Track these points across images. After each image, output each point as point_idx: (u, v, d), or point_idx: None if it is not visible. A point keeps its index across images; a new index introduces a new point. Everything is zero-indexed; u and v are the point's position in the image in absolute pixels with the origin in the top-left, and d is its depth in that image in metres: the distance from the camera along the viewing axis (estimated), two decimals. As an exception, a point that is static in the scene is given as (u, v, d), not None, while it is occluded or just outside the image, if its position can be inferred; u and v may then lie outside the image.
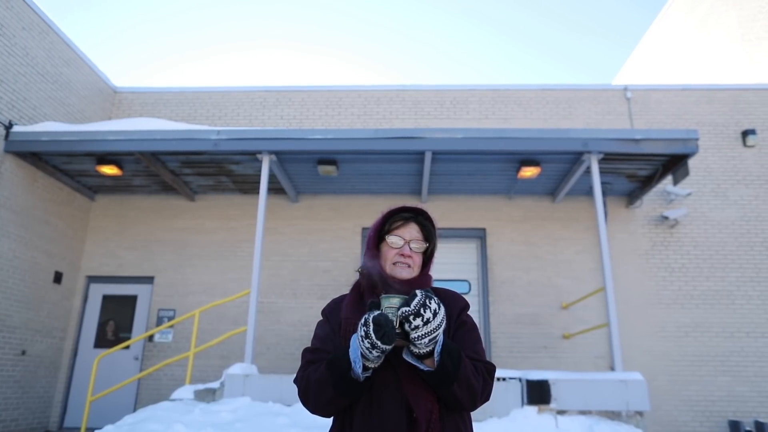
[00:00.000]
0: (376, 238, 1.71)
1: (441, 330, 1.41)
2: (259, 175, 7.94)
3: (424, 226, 1.72)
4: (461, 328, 1.62)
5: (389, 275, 1.63)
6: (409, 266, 1.65)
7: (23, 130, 7.33)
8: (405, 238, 1.66)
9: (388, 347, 1.38)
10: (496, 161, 7.66)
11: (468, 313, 1.69)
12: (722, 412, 7.79)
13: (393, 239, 1.67)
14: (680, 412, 7.81)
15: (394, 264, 1.65)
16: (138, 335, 8.34)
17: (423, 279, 1.67)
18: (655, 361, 7.99)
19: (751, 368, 7.96)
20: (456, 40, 56.86)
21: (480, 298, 8.45)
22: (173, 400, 6.03)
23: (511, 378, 5.75)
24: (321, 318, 1.71)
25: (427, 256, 1.72)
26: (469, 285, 8.53)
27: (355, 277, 1.75)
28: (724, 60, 12.48)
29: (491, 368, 1.56)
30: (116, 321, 8.73)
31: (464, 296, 1.76)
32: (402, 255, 1.64)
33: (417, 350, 1.41)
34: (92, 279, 8.87)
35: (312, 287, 8.54)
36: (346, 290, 1.74)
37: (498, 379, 5.69)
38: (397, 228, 1.69)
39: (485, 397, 1.54)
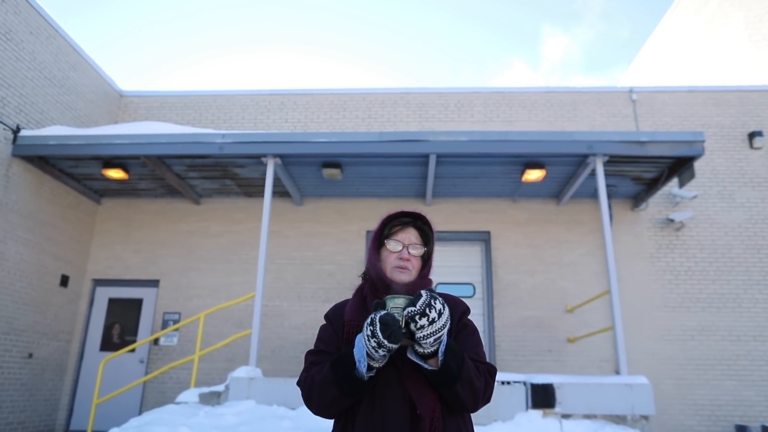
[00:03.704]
0: (376, 243, 1.74)
1: (445, 330, 1.44)
2: (263, 179, 7.97)
3: (423, 230, 1.75)
4: (462, 331, 1.65)
5: (389, 279, 1.67)
6: (407, 269, 1.68)
7: (30, 134, 7.39)
8: (404, 243, 1.70)
9: (395, 346, 1.40)
10: (501, 164, 7.65)
11: (468, 317, 1.72)
12: (729, 417, 7.73)
13: (392, 244, 1.70)
14: (686, 417, 7.76)
15: (393, 268, 1.68)
16: (143, 338, 8.37)
17: (423, 282, 1.71)
18: (661, 365, 7.95)
19: (758, 372, 7.90)
20: (460, 42, 56.88)
21: (484, 302, 8.43)
22: (178, 403, 6.05)
23: (515, 382, 5.73)
24: (324, 322, 1.74)
25: (425, 260, 1.75)
26: (474, 288, 8.46)
27: (359, 281, 1.78)
28: (730, 61, 12.42)
29: (492, 370, 1.59)
30: (122, 324, 8.78)
31: (468, 299, 1.79)
32: (401, 259, 1.68)
33: (422, 350, 1.44)
34: (98, 282, 8.92)
35: (316, 290, 8.55)
36: (350, 293, 1.77)
37: (502, 383, 5.68)
38: (395, 233, 1.72)
39: (486, 398, 1.57)
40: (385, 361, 1.45)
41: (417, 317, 1.40)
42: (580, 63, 55.42)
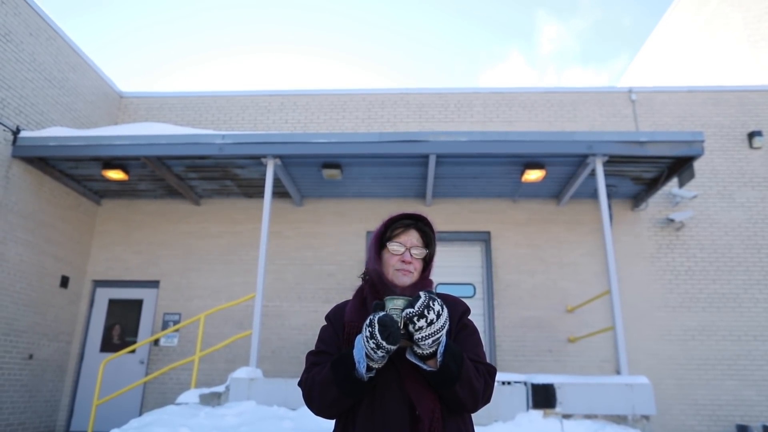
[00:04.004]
0: (377, 245, 1.74)
1: (444, 331, 1.44)
2: (263, 179, 7.97)
3: (424, 232, 1.75)
4: (462, 332, 1.66)
5: (390, 281, 1.67)
6: (410, 272, 1.68)
7: (30, 136, 7.40)
8: (406, 245, 1.70)
9: (393, 347, 1.41)
10: (501, 164, 7.66)
11: (468, 317, 1.73)
12: (730, 417, 7.73)
13: (394, 246, 1.70)
14: (687, 416, 7.76)
15: (395, 270, 1.68)
16: (144, 339, 8.37)
17: (423, 283, 1.71)
18: (662, 365, 7.95)
19: (758, 372, 7.90)
20: (452, 37, 56.90)
21: (485, 302, 8.43)
22: (179, 404, 6.05)
23: (516, 382, 5.73)
24: (325, 323, 1.75)
25: (427, 262, 1.76)
26: (474, 288, 8.51)
27: (359, 281, 1.79)
28: (730, 61, 12.42)
29: (492, 370, 1.59)
30: (122, 325, 8.77)
31: (469, 300, 1.80)
32: (403, 261, 1.68)
33: (420, 351, 1.45)
34: (98, 283, 8.92)
35: (316, 291, 8.55)
36: (350, 294, 1.78)
37: (503, 383, 5.68)
38: (397, 235, 1.72)
39: (486, 398, 1.57)
40: (384, 362, 1.46)
41: (415, 319, 1.40)
42: (576, 53, 55.48)
